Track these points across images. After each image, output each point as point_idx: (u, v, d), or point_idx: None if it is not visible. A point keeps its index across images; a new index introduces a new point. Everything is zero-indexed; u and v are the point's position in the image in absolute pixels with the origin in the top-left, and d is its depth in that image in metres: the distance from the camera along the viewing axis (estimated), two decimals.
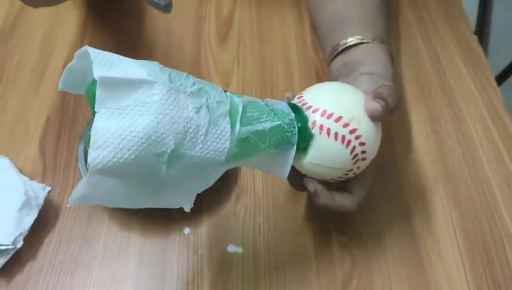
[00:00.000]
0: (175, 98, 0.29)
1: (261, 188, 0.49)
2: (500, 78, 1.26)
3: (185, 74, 0.32)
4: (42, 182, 0.48)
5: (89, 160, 0.27)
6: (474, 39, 0.61)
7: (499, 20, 1.53)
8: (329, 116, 0.37)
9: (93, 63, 0.28)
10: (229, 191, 0.49)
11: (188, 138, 0.29)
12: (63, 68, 0.57)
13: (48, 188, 0.48)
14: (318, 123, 0.37)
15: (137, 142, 0.27)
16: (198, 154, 0.30)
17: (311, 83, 0.57)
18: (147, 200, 0.31)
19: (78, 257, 0.44)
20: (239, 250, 0.45)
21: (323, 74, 0.57)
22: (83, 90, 0.32)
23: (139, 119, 0.27)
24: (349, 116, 0.37)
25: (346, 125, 0.37)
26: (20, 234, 0.43)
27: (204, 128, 0.30)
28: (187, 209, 0.33)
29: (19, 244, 0.43)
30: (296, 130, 0.37)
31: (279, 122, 0.35)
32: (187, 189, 0.32)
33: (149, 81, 0.28)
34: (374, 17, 0.51)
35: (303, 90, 0.40)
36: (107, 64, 0.28)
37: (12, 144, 0.52)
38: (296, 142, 0.37)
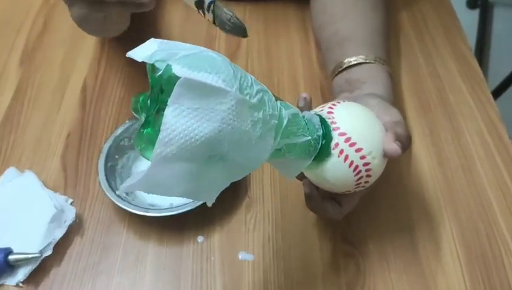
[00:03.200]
0: (240, 110, 0.30)
1: (270, 199, 0.51)
2: (499, 90, 1.28)
3: (250, 78, 0.33)
4: (64, 194, 0.52)
5: (154, 153, 0.28)
6: (470, 53, 0.64)
7: (499, 32, 1.55)
8: (352, 144, 0.38)
9: (174, 57, 0.30)
10: (239, 202, 0.51)
11: (239, 148, 0.31)
12: (82, 87, 0.61)
13: (70, 200, 0.51)
14: (340, 147, 0.38)
15: (199, 144, 0.29)
16: (240, 161, 0.32)
17: (316, 98, 0.60)
18: (184, 192, 0.32)
19: (99, 264, 0.47)
20: (250, 257, 0.47)
21: (328, 89, 0.60)
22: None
23: (204, 124, 0.29)
24: (368, 150, 0.39)
25: (363, 157, 0.39)
26: (49, 244, 0.46)
27: (254, 141, 0.32)
28: (209, 204, 0.34)
29: (47, 253, 0.46)
30: (319, 146, 0.38)
31: (309, 137, 0.37)
32: (215, 186, 0.33)
33: (223, 90, 0.30)
34: (374, 38, 0.53)
35: (335, 102, 0.41)
36: (187, 63, 0.29)
37: (36, 159, 0.55)
38: (314, 156, 0.39)
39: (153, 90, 0.32)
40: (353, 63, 0.50)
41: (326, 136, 0.38)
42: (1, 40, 0.67)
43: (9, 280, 0.45)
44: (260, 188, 0.52)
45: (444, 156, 0.54)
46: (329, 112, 0.40)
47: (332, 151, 0.38)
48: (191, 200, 0.48)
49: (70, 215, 0.49)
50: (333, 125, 0.39)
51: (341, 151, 0.38)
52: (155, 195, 0.50)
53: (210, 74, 0.29)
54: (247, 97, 0.31)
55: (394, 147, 0.39)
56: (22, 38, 0.67)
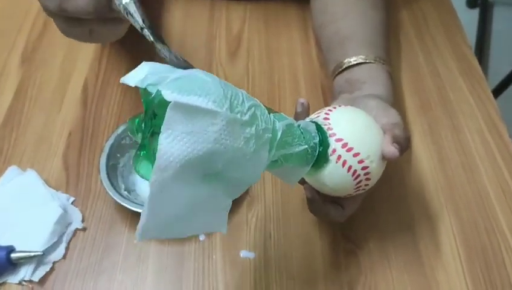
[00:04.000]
0: (231, 129, 0.31)
1: (271, 198, 0.52)
2: (499, 89, 1.28)
3: (241, 94, 0.33)
4: (66, 192, 0.52)
5: (151, 180, 0.29)
6: (470, 52, 0.64)
7: (498, 31, 1.55)
8: (349, 149, 0.38)
9: (165, 81, 0.31)
10: (240, 201, 0.51)
11: (234, 164, 0.31)
12: (83, 86, 0.61)
13: (72, 199, 0.51)
14: (337, 153, 0.38)
15: (194, 166, 0.30)
16: (237, 176, 0.32)
17: (317, 97, 0.60)
18: (184, 226, 0.33)
19: (101, 263, 0.47)
20: (251, 255, 0.47)
21: (328, 89, 0.60)
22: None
23: (198, 146, 0.29)
24: (366, 154, 0.39)
25: (361, 161, 0.39)
26: (53, 245, 0.46)
27: (248, 157, 0.32)
28: (224, 231, 0.35)
29: (57, 257, 0.47)
30: (317, 153, 0.38)
31: (305, 146, 0.37)
32: (218, 206, 0.34)
33: (213, 111, 0.30)
34: (374, 37, 0.54)
35: (331, 107, 0.41)
36: (177, 86, 0.30)
37: (38, 158, 0.55)
38: (312, 163, 0.39)
39: (146, 113, 0.33)
40: (353, 63, 0.50)
41: (323, 142, 0.39)
42: (1, 39, 0.67)
43: (12, 278, 0.46)
44: (261, 187, 0.52)
45: (444, 154, 0.55)
46: (325, 118, 0.40)
47: (330, 158, 0.39)
48: None
49: (76, 218, 0.49)
50: (329, 132, 0.39)
51: (339, 157, 0.38)
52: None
53: (200, 96, 0.30)
54: (239, 115, 0.32)
55: (392, 150, 0.39)
56: (23, 38, 0.67)
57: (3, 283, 0.46)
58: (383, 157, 0.40)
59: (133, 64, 0.66)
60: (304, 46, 0.65)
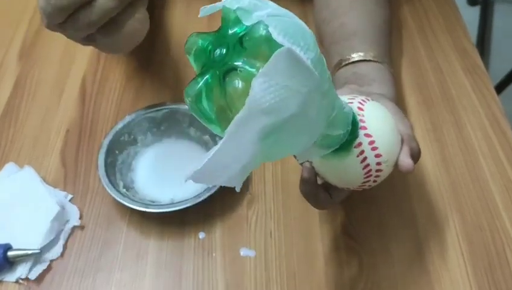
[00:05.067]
0: (314, 97, 0.28)
1: (271, 195, 0.51)
2: (500, 87, 1.28)
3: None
4: (64, 190, 0.51)
5: (233, 123, 0.26)
6: (473, 48, 0.64)
7: (499, 29, 1.55)
8: (374, 148, 0.37)
9: (261, 10, 0.27)
10: (241, 198, 0.51)
11: (297, 130, 0.29)
12: (81, 82, 0.61)
13: (70, 196, 0.51)
14: (362, 147, 0.37)
15: (271, 124, 0.27)
16: (288, 142, 0.30)
17: None
18: (220, 176, 0.29)
19: (100, 260, 0.47)
20: (251, 253, 0.47)
21: None
22: None
23: (287, 104, 0.27)
24: (386, 158, 0.38)
25: (379, 163, 0.38)
26: (51, 243, 0.46)
27: (312, 128, 0.30)
28: (238, 189, 0.31)
29: (54, 255, 0.46)
30: (342, 142, 0.36)
31: (342, 132, 0.36)
32: (251, 163, 0.30)
33: (310, 72, 0.27)
34: (380, 35, 0.53)
35: (363, 97, 0.40)
36: (283, 28, 0.27)
37: (35, 155, 0.54)
38: (333, 149, 0.36)
39: (223, 39, 0.29)
40: (361, 58, 0.49)
41: (352, 133, 0.37)
42: None
43: (9, 276, 0.45)
44: (262, 184, 0.52)
45: (446, 150, 0.54)
46: (359, 108, 0.38)
47: (353, 149, 0.37)
48: (192, 196, 0.48)
49: (73, 215, 0.49)
50: (361, 124, 0.37)
51: (361, 152, 0.37)
52: (156, 191, 0.51)
53: (302, 49, 0.27)
54: (323, 84, 0.29)
55: (410, 163, 0.39)
56: (20, 34, 0.67)
57: (0, 282, 0.45)
58: (397, 166, 0.39)
59: (132, 61, 0.66)
60: None
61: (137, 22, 0.43)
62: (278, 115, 0.27)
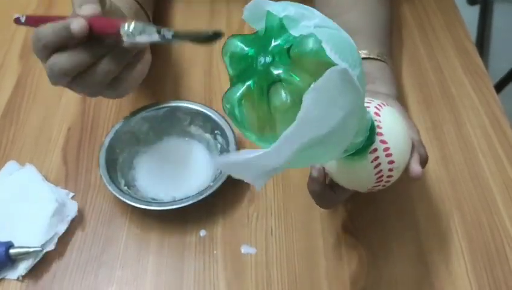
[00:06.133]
0: (355, 113, 0.30)
1: (272, 193, 0.51)
2: (500, 85, 1.28)
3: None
4: (65, 187, 0.51)
5: (281, 140, 0.26)
6: (473, 47, 0.64)
7: (499, 28, 1.55)
8: (389, 155, 0.38)
9: (308, 20, 0.27)
10: (242, 196, 0.51)
11: (330, 143, 0.29)
12: None
13: (71, 194, 0.51)
14: (377, 154, 0.37)
15: (312, 138, 0.27)
16: (319, 153, 0.30)
17: None
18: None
19: (101, 257, 0.47)
20: (252, 251, 0.47)
21: None
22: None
23: (328, 120, 0.27)
24: (397, 164, 0.38)
25: (391, 169, 0.38)
26: (50, 238, 0.46)
27: (344, 141, 0.31)
28: (258, 188, 0.33)
29: (49, 248, 0.46)
30: (359, 147, 0.36)
31: (362, 139, 0.35)
32: (272, 168, 0.30)
33: (356, 89, 0.28)
34: (382, 34, 0.53)
35: (379, 102, 0.39)
36: (334, 43, 0.27)
37: (37, 153, 0.54)
38: (348, 153, 0.36)
39: (267, 46, 0.29)
40: (365, 56, 0.50)
41: (369, 138, 0.37)
42: (0, 33, 0.67)
43: (10, 274, 0.45)
44: None
45: (446, 149, 0.54)
46: (376, 113, 0.38)
47: (368, 155, 0.37)
48: (193, 194, 0.48)
49: (72, 209, 0.49)
50: (378, 130, 0.37)
51: (376, 158, 0.37)
52: (157, 189, 0.51)
53: (350, 66, 0.27)
54: (364, 101, 0.30)
55: (420, 170, 0.39)
56: (22, 32, 0.67)
57: (2, 279, 0.45)
58: (407, 172, 0.39)
59: None
60: None
61: (139, 72, 0.44)
62: (321, 129, 0.27)
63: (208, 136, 0.54)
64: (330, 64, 0.27)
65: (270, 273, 0.46)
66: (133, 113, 0.54)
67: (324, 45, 0.27)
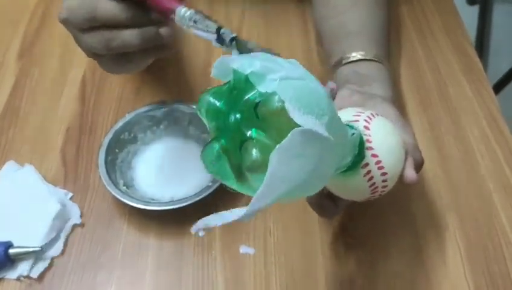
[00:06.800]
0: (329, 155, 0.30)
1: None
2: (498, 87, 1.28)
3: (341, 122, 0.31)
4: (64, 188, 0.52)
5: (250, 207, 0.28)
6: (471, 49, 0.64)
7: (498, 28, 1.55)
8: (381, 168, 0.37)
9: (273, 74, 0.28)
10: (240, 196, 0.50)
11: (308, 184, 0.30)
12: (81, 82, 0.61)
13: (70, 194, 0.51)
14: (368, 168, 0.37)
15: (290, 190, 0.29)
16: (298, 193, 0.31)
17: None
18: None
19: (100, 257, 0.47)
20: (251, 251, 0.47)
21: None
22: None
23: (301, 171, 0.28)
24: (390, 175, 0.38)
25: (384, 180, 0.38)
26: (53, 242, 0.46)
27: (321, 179, 0.32)
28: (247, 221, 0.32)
29: (56, 253, 0.46)
30: (349, 164, 0.36)
31: (349, 159, 0.36)
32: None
33: (325, 138, 0.28)
34: (380, 35, 0.53)
35: (369, 113, 0.39)
36: (296, 98, 0.28)
37: (36, 153, 0.55)
38: (339, 171, 0.37)
39: (236, 102, 0.30)
40: (362, 58, 0.49)
41: (359, 154, 0.37)
42: None
43: (10, 274, 0.45)
44: None
45: (444, 150, 0.54)
46: (365, 127, 0.38)
47: (360, 170, 0.37)
48: (192, 195, 0.48)
49: (74, 213, 0.49)
50: (367, 144, 0.37)
51: (368, 172, 0.37)
52: (156, 189, 0.51)
53: (316, 118, 0.28)
54: (337, 140, 0.30)
55: (414, 175, 0.39)
56: (20, 32, 0.67)
57: (1, 279, 0.45)
58: (402, 178, 0.40)
59: None
60: (303, 41, 0.65)
61: (149, 61, 0.43)
62: (293, 182, 0.28)
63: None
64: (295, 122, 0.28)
65: (269, 273, 0.46)
66: (132, 114, 0.54)
67: (287, 105, 0.27)
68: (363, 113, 0.39)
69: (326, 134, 0.28)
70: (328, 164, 0.31)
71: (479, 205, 0.50)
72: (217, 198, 0.49)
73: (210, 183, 0.49)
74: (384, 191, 0.39)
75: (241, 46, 0.37)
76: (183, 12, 0.38)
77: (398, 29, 0.66)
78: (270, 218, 0.49)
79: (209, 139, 0.31)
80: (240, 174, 0.30)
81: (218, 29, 0.37)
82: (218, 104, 0.31)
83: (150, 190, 0.51)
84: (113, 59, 0.41)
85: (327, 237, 0.48)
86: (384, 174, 0.38)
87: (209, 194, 0.48)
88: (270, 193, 0.28)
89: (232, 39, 0.37)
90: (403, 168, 0.40)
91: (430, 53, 0.64)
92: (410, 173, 0.39)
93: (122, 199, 0.48)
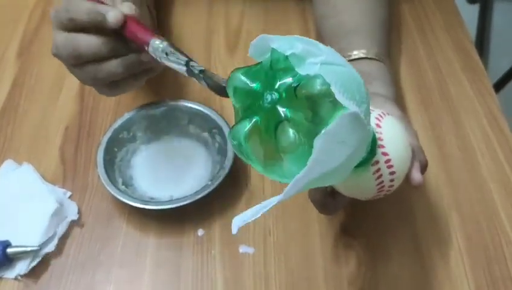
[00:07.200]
0: (362, 145, 0.31)
1: (270, 192, 0.51)
2: (499, 86, 1.28)
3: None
4: (63, 187, 0.51)
5: (291, 187, 0.28)
6: (472, 48, 0.64)
7: (499, 27, 1.55)
8: (390, 166, 0.37)
9: (314, 57, 0.27)
10: (239, 195, 0.51)
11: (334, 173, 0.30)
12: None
13: (69, 193, 0.51)
14: (378, 166, 0.37)
15: (321, 175, 0.29)
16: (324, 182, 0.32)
17: None
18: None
19: (99, 256, 0.47)
20: (250, 250, 0.47)
21: None
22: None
23: (339, 157, 0.28)
24: (398, 174, 0.38)
25: (392, 180, 0.38)
26: (49, 239, 0.46)
27: (345, 170, 0.32)
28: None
29: (49, 249, 0.46)
30: (360, 160, 0.36)
31: (364, 155, 0.36)
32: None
33: (363, 125, 0.29)
34: (381, 34, 0.53)
35: (380, 112, 0.39)
36: (341, 84, 0.28)
37: (34, 152, 0.54)
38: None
39: (272, 83, 0.29)
40: (363, 56, 0.49)
41: (371, 151, 0.36)
42: None
43: (8, 273, 0.45)
44: (260, 181, 0.52)
45: (445, 149, 0.54)
46: (377, 125, 0.38)
47: (370, 167, 0.37)
48: (191, 193, 0.48)
49: (72, 211, 0.49)
50: (379, 142, 0.37)
51: (377, 170, 0.37)
52: (155, 188, 0.51)
53: (357, 103, 0.28)
54: (370, 132, 0.30)
55: (420, 178, 0.39)
56: (20, 30, 0.67)
57: (0, 279, 0.45)
58: (407, 179, 0.39)
59: None
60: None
61: (138, 84, 0.46)
62: (330, 166, 0.28)
63: (206, 135, 0.54)
64: (337, 104, 0.27)
65: (268, 272, 0.46)
66: (131, 113, 0.54)
67: (332, 88, 0.27)
68: (374, 111, 0.39)
69: (366, 124, 0.28)
70: (358, 154, 0.31)
71: (480, 204, 0.50)
72: (217, 197, 0.49)
73: (209, 183, 0.49)
74: (390, 190, 0.39)
75: (208, 78, 0.38)
76: (156, 44, 0.40)
77: (399, 27, 0.66)
78: (270, 217, 0.49)
79: (237, 120, 0.30)
80: (268, 155, 0.30)
81: (187, 62, 0.39)
82: (251, 83, 0.30)
83: (149, 189, 0.51)
84: (105, 86, 0.45)
85: (327, 237, 0.48)
86: (392, 173, 0.38)
87: (209, 193, 0.48)
88: (309, 176, 0.27)
89: (201, 72, 0.38)
90: (409, 169, 0.40)
91: (431, 52, 0.63)
92: (417, 176, 0.39)
93: (121, 198, 0.47)
